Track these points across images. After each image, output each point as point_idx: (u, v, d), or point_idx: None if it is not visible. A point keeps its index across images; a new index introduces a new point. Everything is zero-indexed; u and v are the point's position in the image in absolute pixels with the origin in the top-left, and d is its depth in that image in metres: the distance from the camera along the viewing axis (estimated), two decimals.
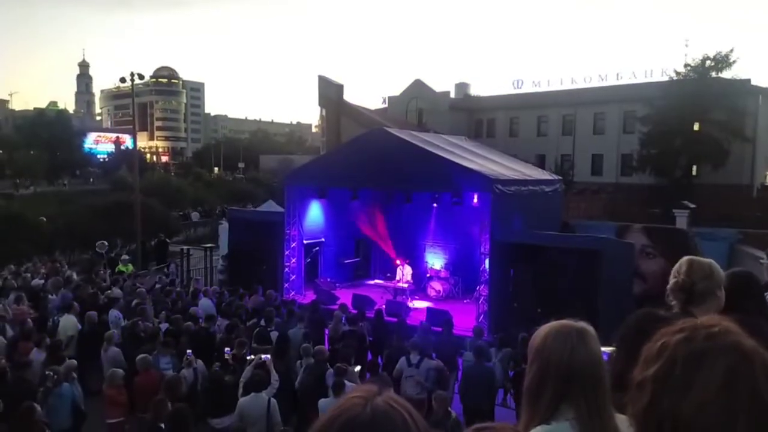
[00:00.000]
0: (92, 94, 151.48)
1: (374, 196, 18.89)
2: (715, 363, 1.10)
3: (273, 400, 7.26)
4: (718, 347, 1.13)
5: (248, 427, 7.13)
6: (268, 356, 8.00)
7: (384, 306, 14.39)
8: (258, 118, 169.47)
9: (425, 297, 17.05)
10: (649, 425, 1.16)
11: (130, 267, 18.52)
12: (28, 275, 16.25)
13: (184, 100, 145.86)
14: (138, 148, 58.36)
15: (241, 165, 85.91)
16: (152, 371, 8.29)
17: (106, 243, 19.88)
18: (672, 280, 2.65)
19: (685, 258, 2.70)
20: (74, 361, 8.22)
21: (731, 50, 34.75)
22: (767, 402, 1.06)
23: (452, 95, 49.65)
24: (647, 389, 1.17)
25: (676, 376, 1.13)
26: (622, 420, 1.61)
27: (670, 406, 1.12)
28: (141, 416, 7.51)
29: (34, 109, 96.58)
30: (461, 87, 51.33)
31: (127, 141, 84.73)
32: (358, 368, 8.85)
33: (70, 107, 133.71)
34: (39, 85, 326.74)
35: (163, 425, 5.97)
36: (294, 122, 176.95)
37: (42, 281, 15.38)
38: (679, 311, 2.54)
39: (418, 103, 47.86)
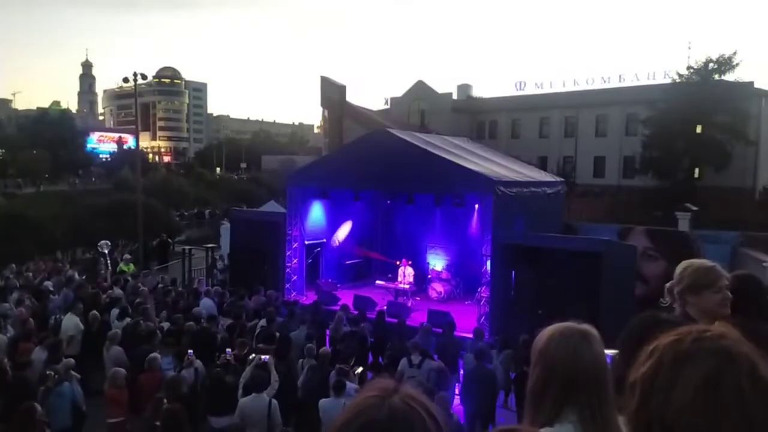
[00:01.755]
0: (95, 94, 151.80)
1: (376, 197, 18.88)
2: (699, 365, 1.10)
3: (274, 401, 7.25)
4: (703, 350, 1.12)
5: (249, 428, 7.12)
6: (268, 357, 7.99)
7: (385, 307, 14.38)
8: (260, 119, 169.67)
9: (426, 298, 17.04)
10: (640, 427, 1.16)
11: (132, 267, 18.54)
12: (30, 274, 16.27)
13: (187, 101, 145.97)
14: (140, 148, 58.50)
15: (243, 165, 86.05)
16: (155, 371, 8.29)
17: (108, 242, 19.92)
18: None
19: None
20: (72, 360, 8.22)
21: (734, 53, 34.81)
22: (752, 405, 1.05)
23: (454, 96, 49.67)
24: (637, 391, 1.17)
25: (662, 378, 1.13)
26: (624, 422, 1.60)
27: (657, 407, 1.12)
28: (140, 416, 7.50)
29: (37, 108, 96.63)
30: (464, 88, 51.32)
31: (129, 141, 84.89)
32: (360, 369, 8.85)
33: (73, 107, 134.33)
34: (42, 85, 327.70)
35: (158, 423, 5.96)
36: (296, 123, 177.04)
37: (44, 280, 15.40)
38: (681, 314, 2.55)
39: (420, 105, 47.91)
